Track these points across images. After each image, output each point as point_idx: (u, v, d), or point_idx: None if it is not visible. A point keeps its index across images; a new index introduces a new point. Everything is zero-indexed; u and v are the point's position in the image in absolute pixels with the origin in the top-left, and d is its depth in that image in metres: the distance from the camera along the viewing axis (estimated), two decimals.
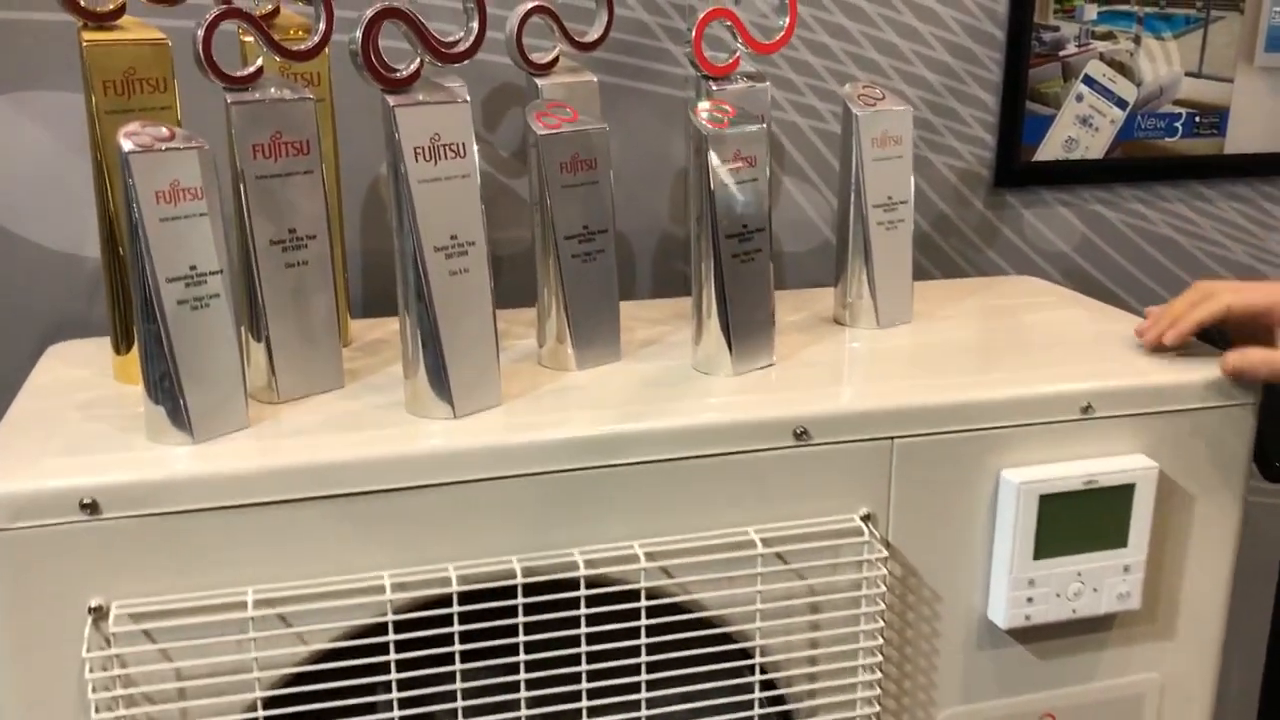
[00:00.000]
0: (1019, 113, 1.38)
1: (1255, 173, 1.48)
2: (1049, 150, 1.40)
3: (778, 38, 1.02)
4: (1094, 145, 1.42)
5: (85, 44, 0.87)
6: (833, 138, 1.32)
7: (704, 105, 0.93)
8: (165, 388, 0.79)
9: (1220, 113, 1.45)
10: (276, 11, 0.97)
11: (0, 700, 0.77)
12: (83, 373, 0.96)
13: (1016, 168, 1.39)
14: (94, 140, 0.89)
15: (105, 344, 1.02)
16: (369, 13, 0.80)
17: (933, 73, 1.35)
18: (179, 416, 0.80)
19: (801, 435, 0.87)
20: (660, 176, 1.28)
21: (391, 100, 0.81)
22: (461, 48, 0.85)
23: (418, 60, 0.83)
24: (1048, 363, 0.98)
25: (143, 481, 0.76)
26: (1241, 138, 1.46)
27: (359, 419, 0.86)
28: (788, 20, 1.02)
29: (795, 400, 0.88)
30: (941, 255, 1.40)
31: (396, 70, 0.82)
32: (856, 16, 1.30)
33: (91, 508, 0.75)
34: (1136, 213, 1.47)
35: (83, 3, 0.87)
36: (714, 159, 0.90)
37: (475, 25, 0.86)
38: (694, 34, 0.98)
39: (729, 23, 1.00)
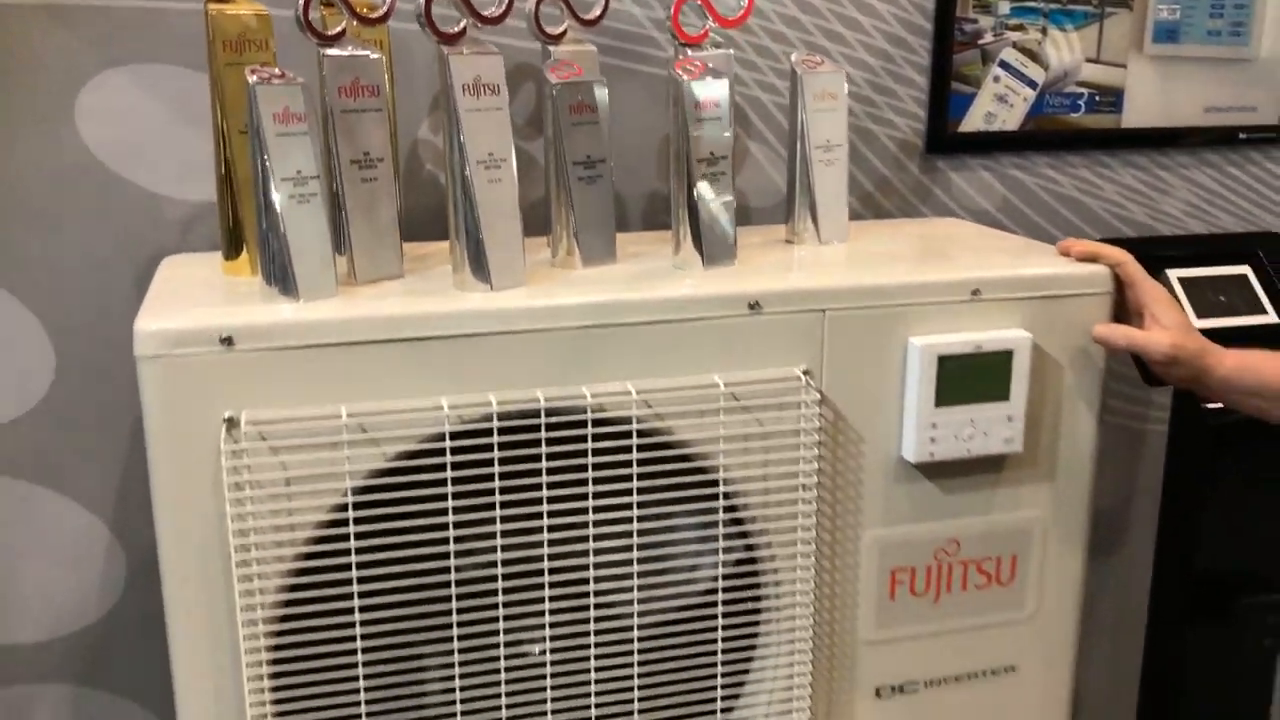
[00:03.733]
0: (945, 91, 1.66)
1: (1149, 144, 1.77)
2: (972, 123, 1.69)
3: (739, 14, 1.31)
4: (1010, 119, 1.70)
5: (211, 13, 1.15)
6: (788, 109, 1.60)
7: (681, 62, 1.21)
8: (279, 262, 1.07)
9: (1117, 93, 1.73)
10: None
11: (156, 488, 1.03)
12: (199, 270, 1.24)
13: (945, 138, 1.68)
14: (215, 85, 1.17)
15: (210, 257, 1.30)
16: None
17: (873, 57, 1.64)
18: (288, 283, 1.07)
19: (754, 306, 1.14)
20: (649, 140, 1.56)
21: (445, 50, 1.09)
22: (496, 13, 1.13)
23: (464, 22, 1.10)
24: (950, 259, 1.25)
25: (268, 323, 1.03)
26: (1135, 114, 1.75)
27: (421, 291, 1.13)
28: (746, 4, 1.31)
29: (751, 282, 1.16)
30: (882, 212, 1.68)
31: (449, 30, 1.10)
32: (808, 10, 1.59)
33: (228, 341, 1.02)
34: (1048, 177, 1.75)
35: None
36: (687, 103, 1.18)
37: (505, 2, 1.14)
38: (672, 11, 1.26)
39: (700, 4, 1.28)
